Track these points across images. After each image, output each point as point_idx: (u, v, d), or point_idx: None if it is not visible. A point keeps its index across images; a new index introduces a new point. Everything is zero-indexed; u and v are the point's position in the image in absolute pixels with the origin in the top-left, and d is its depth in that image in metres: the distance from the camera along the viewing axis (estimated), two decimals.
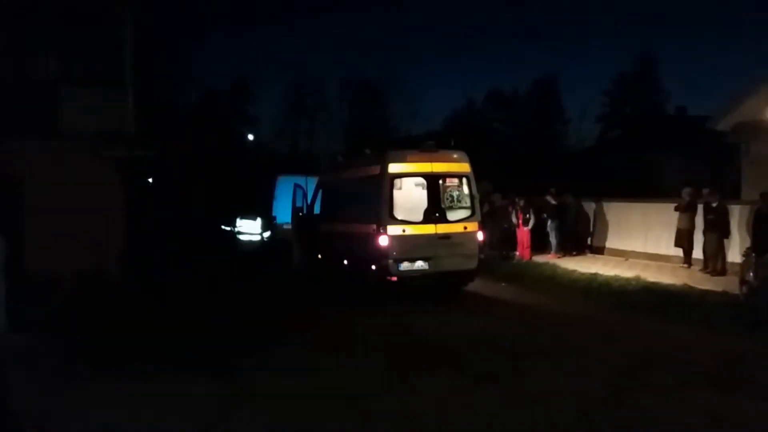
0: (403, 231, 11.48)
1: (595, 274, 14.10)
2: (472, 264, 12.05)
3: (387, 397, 6.62)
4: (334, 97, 54.06)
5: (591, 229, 18.41)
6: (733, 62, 75.16)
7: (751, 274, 10.54)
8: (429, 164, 11.94)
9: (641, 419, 5.95)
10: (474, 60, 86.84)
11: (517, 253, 17.76)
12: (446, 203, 12.09)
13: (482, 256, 12.34)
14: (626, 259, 16.54)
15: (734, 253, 13.35)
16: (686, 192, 14.78)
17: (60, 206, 12.87)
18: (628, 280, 13.31)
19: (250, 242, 20.75)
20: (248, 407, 6.39)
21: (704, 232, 14.05)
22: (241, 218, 21.29)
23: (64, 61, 13.98)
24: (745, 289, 10.71)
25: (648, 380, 6.94)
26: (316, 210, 15.19)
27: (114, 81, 14.08)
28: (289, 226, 17.11)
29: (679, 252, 15.00)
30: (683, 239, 14.71)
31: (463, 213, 12.18)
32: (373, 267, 11.60)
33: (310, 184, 16.11)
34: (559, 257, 17.30)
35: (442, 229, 11.79)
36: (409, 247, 11.52)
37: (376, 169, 11.90)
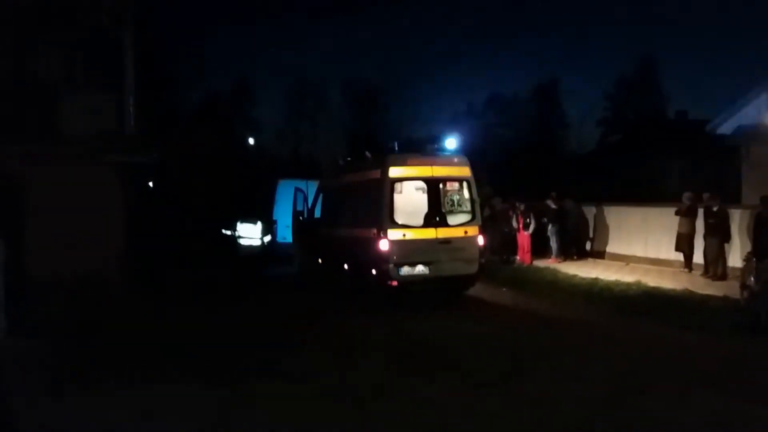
0: (404, 235, 11.48)
1: (596, 279, 14.09)
2: (473, 268, 12.04)
3: (387, 400, 6.60)
4: (335, 101, 54.17)
5: (591, 233, 18.41)
6: (734, 66, 75.26)
7: (752, 278, 10.50)
8: (429, 168, 11.94)
9: (643, 423, 5.93)
10: (475, 64, 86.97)
11: (518, 257, 17.75)
12: (447, 207, 12.10)
13: (483, 260, 12.33)
14: (627, 264, 16.53)
15: (735, 258, 13.34)
16: (687, 196, 14.78)
17: (60, 209, 12.86)
18: (628, 284, 13.29)
19: (251, 246, 20.73)
20: (248, 409, 6.39)
21: (705, 237, 14.04)
22: (242, 222, 21.27)
23: (64, 64, 13.99)
24: (745, 293, 10.68)
25: (649, 385, 6.92)
26: (317, 214, 15.20)
27: (115, 84, 14.08)
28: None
29: (680, 256, 14.99)
30: (684, 244, 14.70)
31: (464, 217, 12.18)
32: (374, 271, 11.59)
33: (311, 187, 16.13)
34: (559, 262, 17.29)
35: (442, 233, 11.78)
36: (410, 251, 11.51)
37: (376, 173, 11.91)
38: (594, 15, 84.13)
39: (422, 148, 12.31)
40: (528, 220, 17.47)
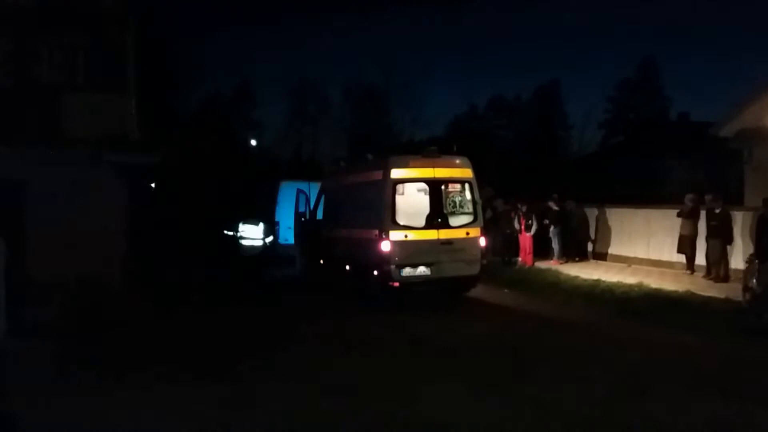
0: (406, 236, 11.47)
1: (598, 281, 14.06)
2: (475, 270, 12.03)
3: (387, 400, 6.60)
4: (336, 102, 54.28)
5: (593, 235, 18.38)
6: (737, 68, 75.07)
7: (754, 280, 10.50)
8: (431, 170, 11.94)
9: (644, 425, 5.91)
10: (476, 66, 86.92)
11: (520, 259, 17.73)
12: (448, 209, 12.09)
13: (484, 261, 12.32)
14: (629, 266, 16.51)
15: (737, 260, 13.32)
16: (689, 198, 14.77)
17: (62, 211, 12.88)
18: (630, 286, 13.26)
19: (253, 247, 20.72)
20: (248, 409, 6.39)
21: (707, 239, 14.02)
22: (244, 223, 21.27)
23: (66, 66, 14.01)
24: (748, 295, 10.67)
25: (651, 386, 6.90)
26: (319, 215, 15.20)
27: (117, 86, 14.09)
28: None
29: (682, 258, 14.97)
30: (686, 245, 14.68)
31: (466, 219, 12.17)
32: (376, 272, 11.59)
33: (313, 189, 16.13)
34: (561, 263, 17.27)
35: (444, 234, 11.78)
36: (412, 252, 11.51)
37: (378, 175, 11.91)
38: (596, 17, 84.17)
39: (424, 150, 12.31)
40: (530, 221, 17.44)
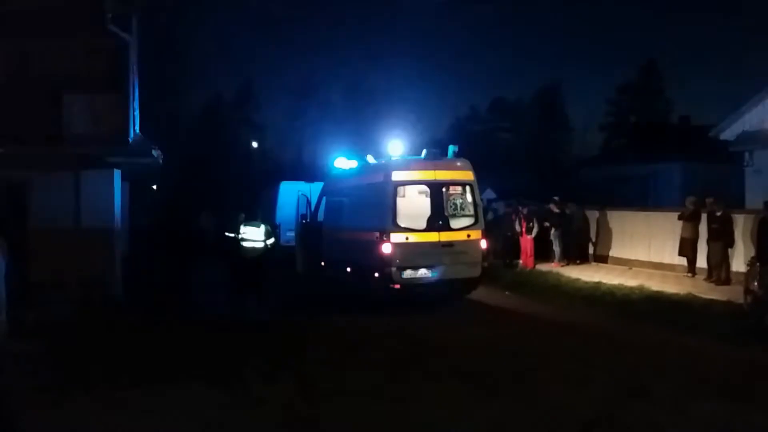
0: (407, 239, 11.47)
1: (599, 283, 14.06)
2: (476, 272, 12.03)
3: (387, 402, 6.61)
4: (338, 104, 54.27)
5: (594, 237, 18.37)
6: (737, 71, 75.19)
7: (756, 283, 10.48)
8: (432, 172, 11.93)
9: (645, 428, 5.91)
10: (478, 68, 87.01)
11: (521, 261, 17.73)
12: (449, 211, 12.08)
13: (485, 264, 12.32)
14: (630, 268, 16.49)
15: (738, 263, 13.31)
16: (690, 201, 14.76)
17: (63, 212, 12.90)
18: (631, 289, 13.26)
19: (254, 249, 20.71)
20: (247, 411, 6.40)
21: (708, 241, 14.00)
22: (245, 225, 21.25)
23: (68, 67, 14.02)
24: (749, 298, 10.65)
25: (651, 389, 6.90)
26: (320, 217, 15.19)
27: (118, 87, 14.11)
28: (292, 234, 17.12)
29: (683, 261, 14.95)
30: (687, 248, 14.66)
31: (467, 221, 12.17)
32: (377, 274, 11.58)
33: (314, 190, 16.12)
34: (562, 266, 17.26)
35: (445, 237, 11.77)
36: (413, 254, 11.51)
37: (379, 177, 11.91)
38: (597, 20, 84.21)
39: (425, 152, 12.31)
40: (531, 223, 17.44)
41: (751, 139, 16.00)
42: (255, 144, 46.91)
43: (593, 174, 33.15)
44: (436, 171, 11.96)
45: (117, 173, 14.13)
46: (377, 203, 11.71)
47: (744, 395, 6.66)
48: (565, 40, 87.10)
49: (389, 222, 11.41)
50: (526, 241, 17.58)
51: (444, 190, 12.06)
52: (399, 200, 11.68)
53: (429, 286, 11.77)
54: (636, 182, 27.19)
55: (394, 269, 11.36)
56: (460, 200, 12.27)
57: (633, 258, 16.93)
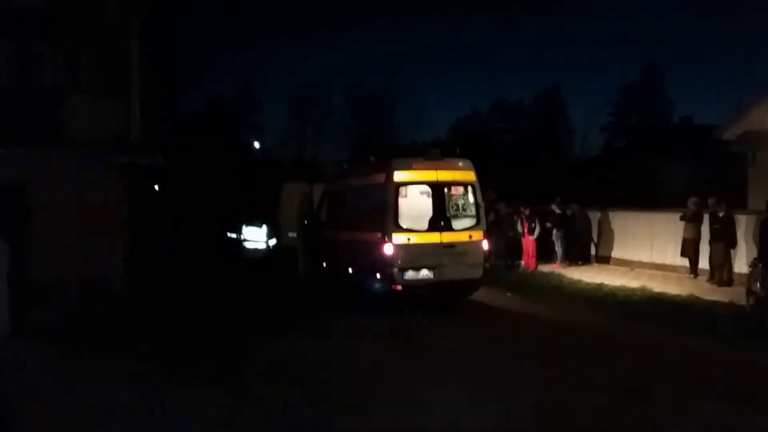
0: (408, 239, 11.45)
1: (601, 284, 14.03)
2: (477, 273, 12.00)
3: (388, 403, 6.59)
4: (339, 105, 54.39)
5: (596, 238, 18.36)
6: (740, 71, 75.10)
7: (758, 284, 10.47)
8: (434, 173, 11.91)
9: (647, 429, 5.89)
10: (479, 69, 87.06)
11: (522, 262, 17.71)
12: (451, 212, 12.06)
13: (487, 265, 12.30)
14: (632, 269, 16.48)
15: (741, 263, 13.29)
16: (692, 201, 14.73)
17: (65, 213, 12.90)
18: (633, 290, 13.24)
19: (256, 249, 20.76)
20: (249, 411, 6.39)
21: (710, 242, 13.99)
22: (247, 225, 21.30)
23: (69, 68, 14.04)
24: (751, 299, 10.64)
25: (654, 390, 6.88)
26: (322, 218, 15.19)
27: (119, 87, 14.12)
28: (294, 235, 17.14)
29: (686, 262, 14.93)
30: (689, 249, 14.65)
31: (468, 222, 12.15)
32: (378, 275, 11.57)
33: (316, 191, 16.12)
34: (564, 267, 17.25)
35: (447, 237, 11.74)
36: (414, 255, 11.48)
37: (381, 177, 11.89)
38: (599, 21, 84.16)
39: (426, 153, 12.30)
40: (533, 224, 17.42)
41: (753, 138, 15.95)
42: (256, 144, 46.94)
43: (595, 175, 33.15)
44: (438, 171, 11.94)
45: (118, 173, 14.12)
46: (379, 204, 11.69)
47: (745, 396, 6.63)
48: (566, 41, 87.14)
49: (391, 223, 11.39)
50: (528, 242, 17.56)
51: (446, 190, 12.04)
52: (401, 201, 11.66)
53: (430, 287, 11.74)
54: (638, 183, 27.14)
55: (395, 270, 11.34)
56: (462, 201, 12.25)
57: (635, 259, 16.91)
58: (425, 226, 11.69)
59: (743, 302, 10.94)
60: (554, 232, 17.70)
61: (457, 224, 12.01)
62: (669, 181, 27.80)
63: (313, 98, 51.89)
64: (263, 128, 53.31)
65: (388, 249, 11.31)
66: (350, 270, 13.02)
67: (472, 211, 12.21)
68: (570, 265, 17.41)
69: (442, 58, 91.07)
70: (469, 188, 12.26)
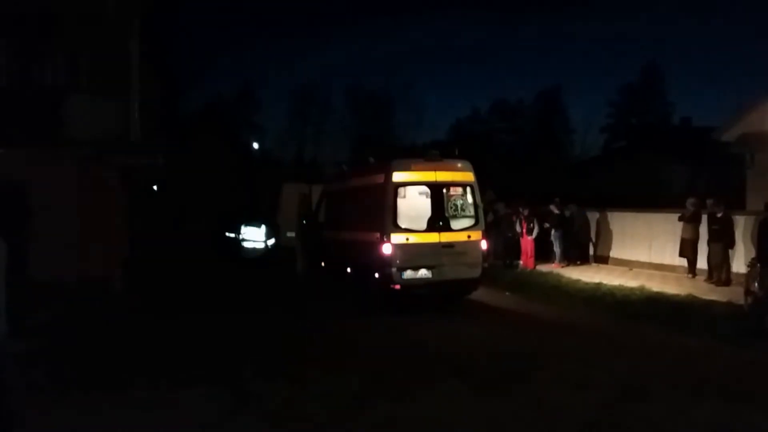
0: (407, 239, 11.47)
1: (599, 284, 14.05)
2: (476, 273, 12.02)
3: (387, 403, 6.61)
4: (339, 105, 54.39)
5: (595, 238, 18.39)
6: (739, 73, 75.14)
7: (756, 284, 10.50)
8: (433, 173, 11.93)
9: (646, 429, 5.91)
10: (479, 69, 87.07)
11: (521, 262, 17.74)
12: (450, 212, 12.08)
13: (486, 265, 12.32)
14: (630, 269, 16.50)
15: (739, 264, 13.33)
16: (691, 202, 14.76)
17: (65, 213, 12.91)
18: (632, 289, 13.26)
19: (254, 249, 20.79)
20: (248, 411, 6.40)
21: (709, 243, 14.02)
22: (246, 225, 21.33)
23: (70, 69, 14.05)
24: (749, 299, 10.66)
25: (652, 390, 6.90)
26: (321, 218, 15.21)
27: (119, 88, 14.13)
28: (293, 235, 17.17)
29: (684, 262, 14.96)
30: (688, 249, 14.67)
31: (467, 222, 12.17)
32: (377, 275, 11.59)
33: (315, 191, 16.15)
34: (562, 266, 17.27)
35: (445, 237, 11.76)
36: (413, 255, 11.50)
37: (380, 178, 11.91)
38: (599, 22, 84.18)
39: (426, 153, 12.33)
40: (531, 224, 17.45)
41: (752, 140, 15.99)
42: (256, 145, 46.95)
43: (594, 175, 33.18)
44: (437, 172, 11.97)
45: (118, 173, 14.14)
46: (378, 204, 11.71)
47: (744, 396, 6.65)
48: (566, 41, 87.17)
49: (390, 223, 11.41)
50: (527, 242, 17.59)
51: (444, 191, 12.06)
52: (399, 201, 11.68)
53: (429, 287, 11.76)
54: (637, 183, 27.17)
55: (394, 270, 11.36)
56: (461, 201, 12.27)
57: (633, 259, 16.94)
58: (424, 226, 11.72)
59: (741, 302, 10.96)
60: (552, 232, 17.73)
61: (455, 224, 12.03)
62: (668, 182, 27.84)
63: (313, 98, 51.89)
64: (263, 128, 53.38)
65: (386, 249, 11.33)
66: (349, 270, 13.05)
67: (471, 211, 12.23)
68: (568, 265, 17.44)
69: (442, 58, 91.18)
70: (468, 189, 12.28)
